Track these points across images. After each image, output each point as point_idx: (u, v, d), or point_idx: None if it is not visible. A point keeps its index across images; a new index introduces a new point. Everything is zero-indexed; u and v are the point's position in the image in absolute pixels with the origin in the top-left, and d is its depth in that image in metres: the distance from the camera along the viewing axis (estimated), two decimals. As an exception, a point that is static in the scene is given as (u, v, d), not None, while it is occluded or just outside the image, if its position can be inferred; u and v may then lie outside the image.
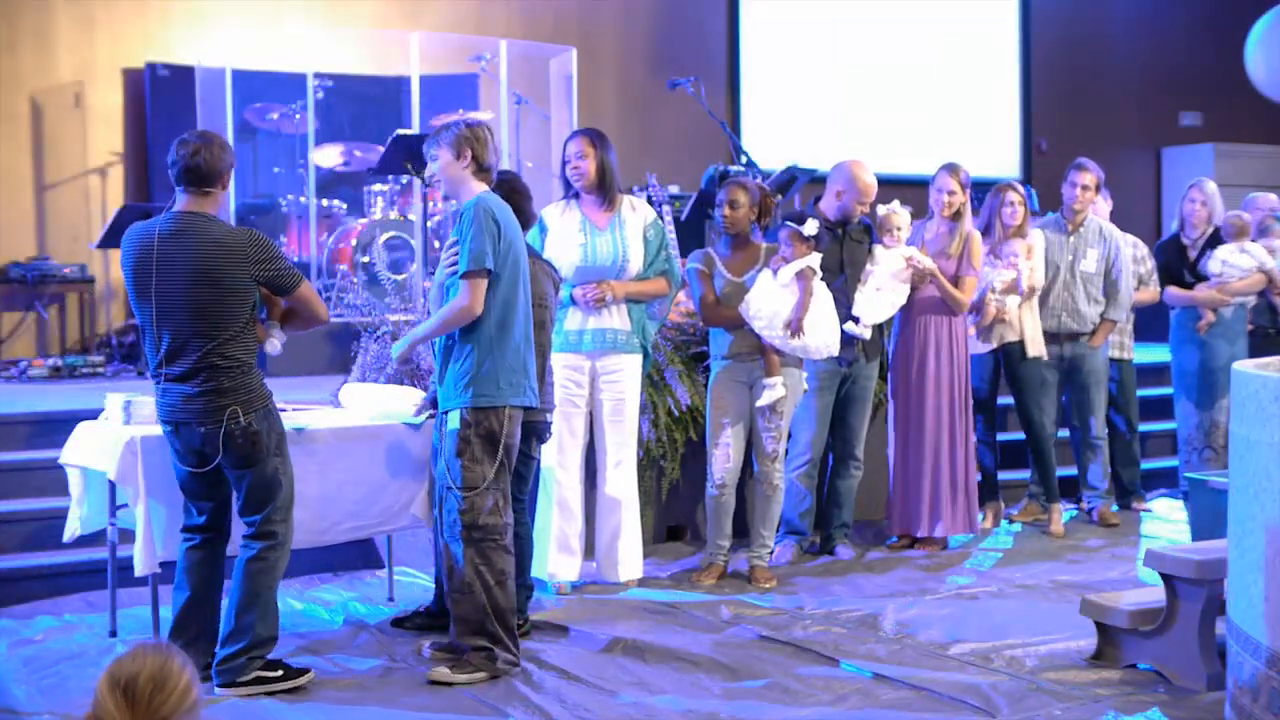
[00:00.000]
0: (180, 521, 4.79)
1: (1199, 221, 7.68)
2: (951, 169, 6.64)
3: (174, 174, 4.55)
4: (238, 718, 4.34)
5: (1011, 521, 7.28)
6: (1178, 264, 7.71)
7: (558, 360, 5.62)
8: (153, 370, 4.55)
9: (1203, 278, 7.60)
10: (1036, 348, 6.95)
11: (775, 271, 5.93)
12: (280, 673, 4.60)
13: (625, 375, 5.80)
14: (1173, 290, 7.67)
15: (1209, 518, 5.84)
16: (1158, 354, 8.92)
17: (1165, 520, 7.46)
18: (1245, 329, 7.69)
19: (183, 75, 9.50)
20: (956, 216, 6.61)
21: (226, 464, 4.53)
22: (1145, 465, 8.04)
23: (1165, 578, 4.66)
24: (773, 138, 11.46)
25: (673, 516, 6.34)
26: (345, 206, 9.43)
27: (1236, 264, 7.49)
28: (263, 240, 4.52)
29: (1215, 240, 7.60)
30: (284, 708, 4.42)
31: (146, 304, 4.48)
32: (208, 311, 4.42)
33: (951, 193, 6.59)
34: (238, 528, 4.69)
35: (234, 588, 4.60)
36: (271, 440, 4.55)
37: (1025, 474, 7.50)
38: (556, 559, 5.79)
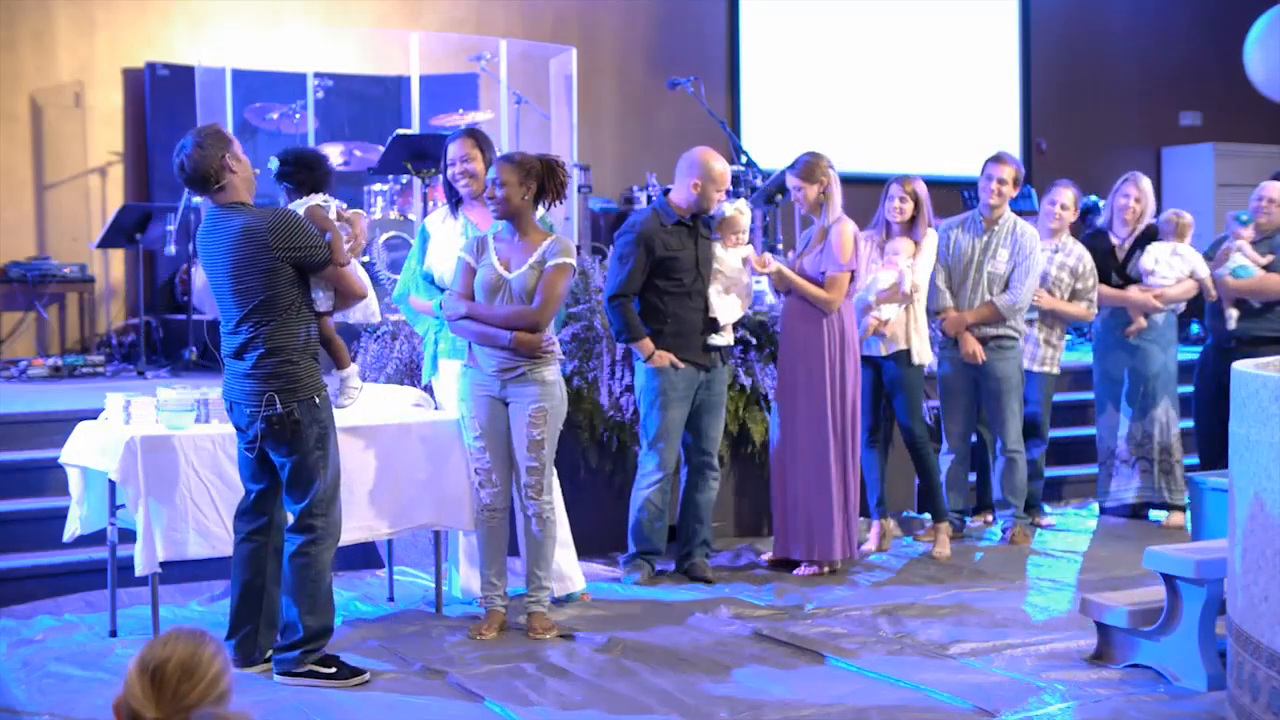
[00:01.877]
0: (180, 521, 4.82)
1: (1131, 219, 7.21)
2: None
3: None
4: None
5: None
6: (1104, 263, 7.21)
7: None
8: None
9: (1131, 279, 7.21)
10: (922, 355, 6.52)
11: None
12: (334, 669, 4.64)
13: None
14: (1103, 289, 7.18)
15: (1209, 518, 5.85)
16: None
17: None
18: (1176, 336, 7.36)
19: (183, 75, 9.51)
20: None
21: (269, 448, 4.61)
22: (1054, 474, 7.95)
23: (1165, 578, 4.66)
24: (773, 138, 11.47)
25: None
26: (346, 206, 9.42)
27: (1169, 264, 7.10)
28: (286, 223, 4.54)
29: (1147, 240, 7.19)
30: (288, 703, 4.42)
31: (213, 292, 4.69)
32: (247, 301, 4.53)
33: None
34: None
35: (284, 582, 4.69)
36: (313, 432, 4.60)
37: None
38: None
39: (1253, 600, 3.78)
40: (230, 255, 4.52)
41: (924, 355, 6.56)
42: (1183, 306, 7.32)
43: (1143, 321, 7.17)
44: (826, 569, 6.21)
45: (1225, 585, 4.22)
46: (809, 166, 6.23)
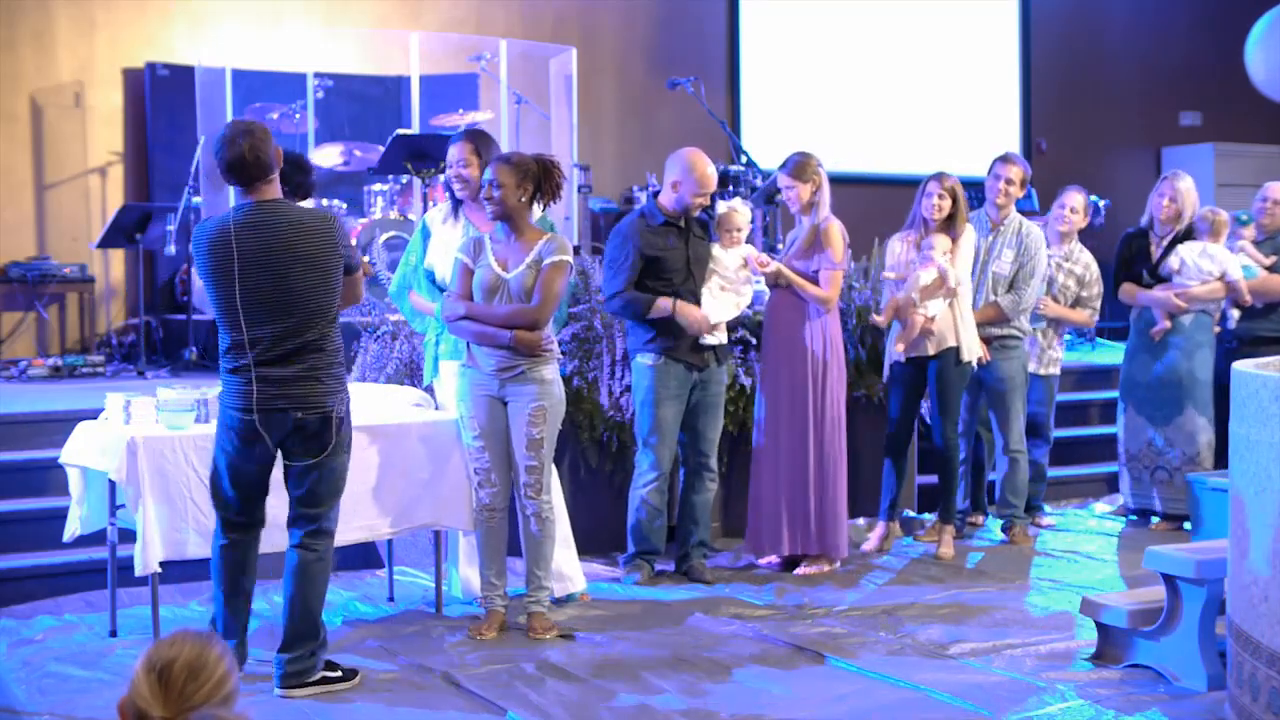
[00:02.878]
0: (180, 521, 4.82)
1: (1167, 219, 7.12)
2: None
3: (224, 174, 4.41)
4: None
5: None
6: (1140, 261, 7.21)
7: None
8: (234, 361, 4.40)
9: (1162, 279, 7.12)
10: (970, 351, 6.46)
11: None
12: (340, 672, 4.60)
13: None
14: (1128, 288, 7.19)
15: (1209, 518, 5.85)
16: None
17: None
18: (1209, 340, 7.14)
19: (183, 75, 9.51)
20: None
21: (298, 453, 4.46)
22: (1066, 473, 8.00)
23: (1165, 578, 4.66)
24: (773, 138, 11.46)
25: (672, 516, 6.35)
26: (345, 206, 9.45)
27: (1197, 265, 6.97)
28: (336, 219, 4.48)
29: (1186, 240, 7.08)
30: (287, 705, 4.42)
31: (230, 297, 4.35)
32: (303, 299, 4.36)
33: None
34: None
35: (297, 587, 4.51)
36: (349, 434, 4.58)
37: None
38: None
39: (1253, 600, 3.78)
40: (293, 251, 4.33)
41: (973, 351, 6.48)
42: (1214, 308, 7.17)
43: (1167, 323, 7.05)
44: (825, 566, 6.21)
45: (1225, 585, 4.22)
46: (800, 166, 6.22)
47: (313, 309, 4.39)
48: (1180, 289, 7.02)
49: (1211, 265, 7.00)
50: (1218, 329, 7.24)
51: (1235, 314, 7.18)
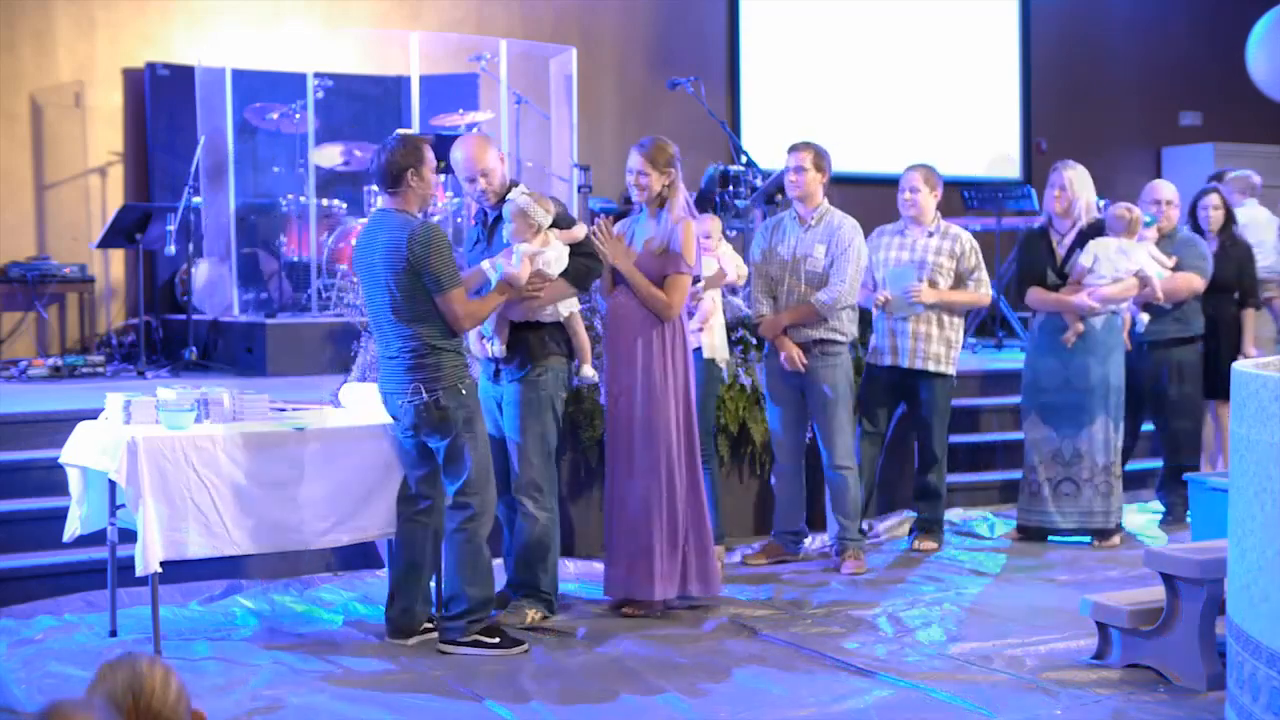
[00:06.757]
0: (180, 521, 4.83)
1: (1060, 211, 6.66)
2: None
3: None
4: (239, 710, 4.33)
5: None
6: (1044, 261, 6.71)
7: None
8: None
9: (1066, 278, 6.64)
10: (714, 351, 6.19)
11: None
12: (498, 639, 4.96)
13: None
14: (1037, 292, 6.65)
15: (1209, 518, 5.85)
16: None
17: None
18: (1120, 343, 6.66)
19: (183, 75, 9.50)
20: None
21: (425, 435, 4.96)
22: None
23: (1165, 577, 4.66)
24: (773, 138, 11.45)
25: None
26: (345, 206, 9.45)
27: (1112, 263, 6.51)
28: (422, 235, 4.79)
29: (1095, 236, 6.62)
30: (290, 704, 4.41)
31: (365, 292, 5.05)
32: (392, 297, 4.85)
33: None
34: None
35: (446, 557, 5.06)
36: (459, 416, 4.88)
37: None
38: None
39: (1253, 600, 3.78)
40: (382, 255, 4.84)
41: (717, 352, 6.19)
42: (1124, 309, 6.70)
43: (1080, 326, 6.58)
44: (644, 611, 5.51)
45: (1225, 585, 4.22)
46: (654, 149, 5.55)
47: (391, 312, 4.86)
48: (1092, 288, 6.58)
49: (1128, 262, 6.57)
50: (1126, 333, 6.79)
51: (1145, 318, 6.77)
